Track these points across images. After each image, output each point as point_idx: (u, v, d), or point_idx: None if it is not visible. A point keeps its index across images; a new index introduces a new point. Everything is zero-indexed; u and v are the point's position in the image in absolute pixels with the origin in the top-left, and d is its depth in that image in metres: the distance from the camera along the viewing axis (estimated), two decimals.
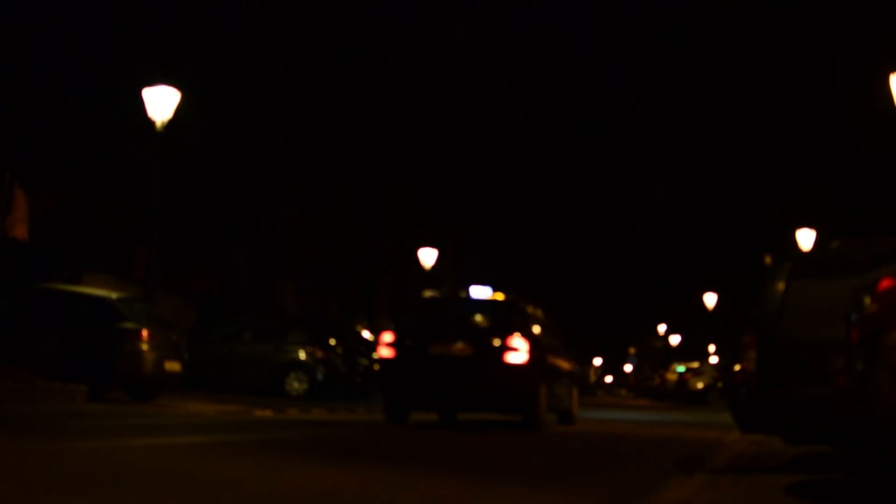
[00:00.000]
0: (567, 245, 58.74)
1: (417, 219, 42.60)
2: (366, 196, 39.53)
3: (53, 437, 10.75)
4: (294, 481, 7.63)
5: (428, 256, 40.01)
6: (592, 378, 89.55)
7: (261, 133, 34.31)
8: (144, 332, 18.76)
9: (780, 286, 10.08)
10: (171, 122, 21.78)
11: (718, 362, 57.95)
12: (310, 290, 39.68)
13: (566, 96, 49.03)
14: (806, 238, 33.80)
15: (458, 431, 15.62)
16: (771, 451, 12.36)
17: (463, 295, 17.60)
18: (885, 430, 6.40)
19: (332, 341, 26.36)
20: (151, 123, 21.69)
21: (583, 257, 62.94)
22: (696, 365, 59.37)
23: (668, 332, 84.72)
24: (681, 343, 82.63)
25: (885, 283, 6.59)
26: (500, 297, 17.37)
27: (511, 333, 16.36)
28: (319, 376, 25.58)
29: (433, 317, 17.13)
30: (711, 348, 70.26)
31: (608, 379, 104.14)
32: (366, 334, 34.14)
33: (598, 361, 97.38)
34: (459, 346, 16.30)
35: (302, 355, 25.60)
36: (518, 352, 16.26)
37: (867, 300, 6.75)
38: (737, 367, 11.67)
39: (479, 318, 17.05)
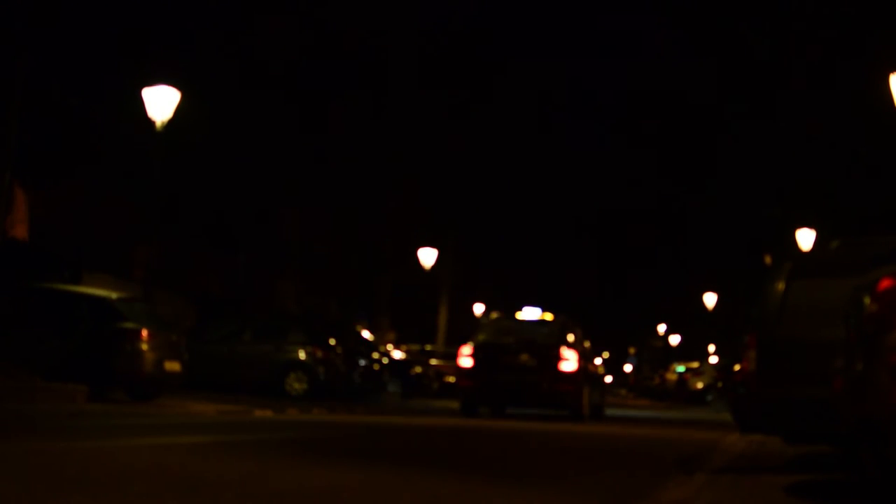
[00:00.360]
0: (567, 245, 58.74)
1: (417, 219, 42.62)
2: (366, 196, 39.54)
3: (53, 437, 10.75)
4: (294, 481, 7.63)
5: (428, 256, 40.01)
6: None
7: (260, 133, 34.31)
8: (144, 332, 18.75)
9: (780, 286, 10.08)
10: (171, 122, 21.78)
11: (718, 362, 57.95)
12: (310, 290, 39.68)
13: (566, 96, 49.04)
14: (806, 238, 33.79)
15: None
16: (771, 451, 12.36)
17: (518, 316, 23.08)
18: (885, 430, 6.40)
19: (332, 341, 26.35)
20: (151, 123, 21.68)
21: (583, 257, 62.95)
22: (695, 365, 59.37)
23: (668, 332, 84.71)
24: (681, 343, 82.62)
25: (885, 283, 6.59)
26: (548, 316, 22.75)
27: (563, 347, 21.38)
28: (321, 377, 25.58)
29: (500, 334, 22.16)
30: (711, 348, 70.27)
31: (608, 379, 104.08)
32: (366, 334, 34.15)
33: (597, 361, 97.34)
34: (524, 357, 21.35)
35: (302, 355, 25.59)
36: (569, 361, 21.28)
37: (867, 300, 6.75)
38: (737, 367, 11.68)
39: (536, 334, 21.84)
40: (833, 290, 8.90)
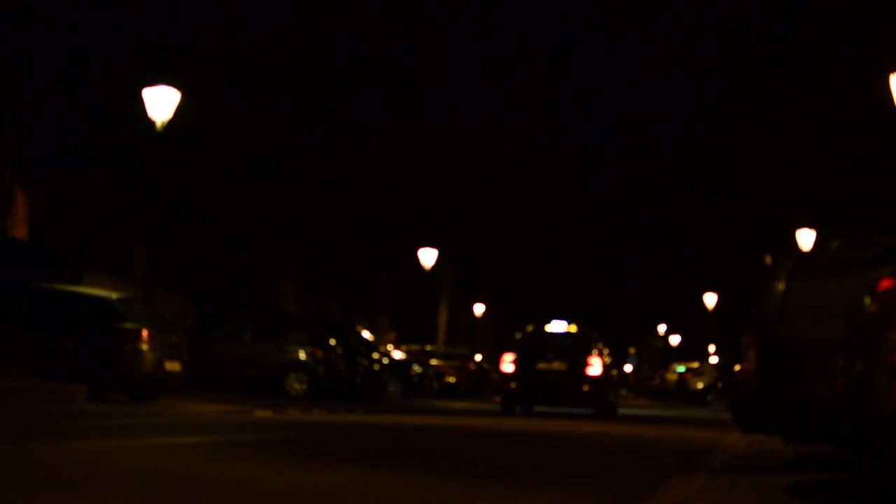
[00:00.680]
0: (567, 245, 58.73)
1: (417, 219, 42.62)
2: (366, 196, 39.54)
3: (53, 437, 10.75)
4: (294, 481, 7.63)
5: (428, 256, 40.00)
6: None
7: (260, 133, 34.31)
8: (144, 333, 18.75)
9: (780, 286, 10.07)
10: (171, 121, 21.77)
11: (718, 362, 57.93)
12: (310, 290, 39.67)
13: (566, 96, 49.02)
14: (806, 238, 33.78)
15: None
16: (771, 451, 12.36)
17: (547, 328, 27.01)
18: (885, 430, 6.40)
19: (333, 341, 26.33)
20: (151, 123, 21.68)
21: (583, 257, 62.94)
22: (696, 365, 59.35)
23: (668, 332, 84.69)
24: (681, 343, 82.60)
25: (885, 283, 6.59)
26: (573, 328, 26.76)
27: (590, 354, 25.25)
28: (321, 377, 25.57)
29: (535, 344, 25.86)
30: (711, 348, 70.26)
31: None
32: (366, 334, 34.13)
33: (562, 346, 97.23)
34: (557, 364, 25.08)
35: (302, 355, 25.58)
36: (595, 367, 25.11)
37: (867, 300, 6.75)
38: (737, 368, 11.68)
39: (565, 344, 25.68)
40: (833, 290, 8.90)
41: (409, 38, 38.72)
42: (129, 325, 18.76)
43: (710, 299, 60.25)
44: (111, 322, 18.76)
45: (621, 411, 28.32)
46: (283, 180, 35.98)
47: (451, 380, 40.27)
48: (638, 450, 13.52)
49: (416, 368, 35.58)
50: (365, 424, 16.59)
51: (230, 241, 36.14)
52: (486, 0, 42.29)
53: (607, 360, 26.24)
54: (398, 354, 36.55)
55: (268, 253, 37.29)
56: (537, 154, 50.16)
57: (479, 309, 56.03)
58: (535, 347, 25.72)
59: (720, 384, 49.07)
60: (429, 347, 43.59)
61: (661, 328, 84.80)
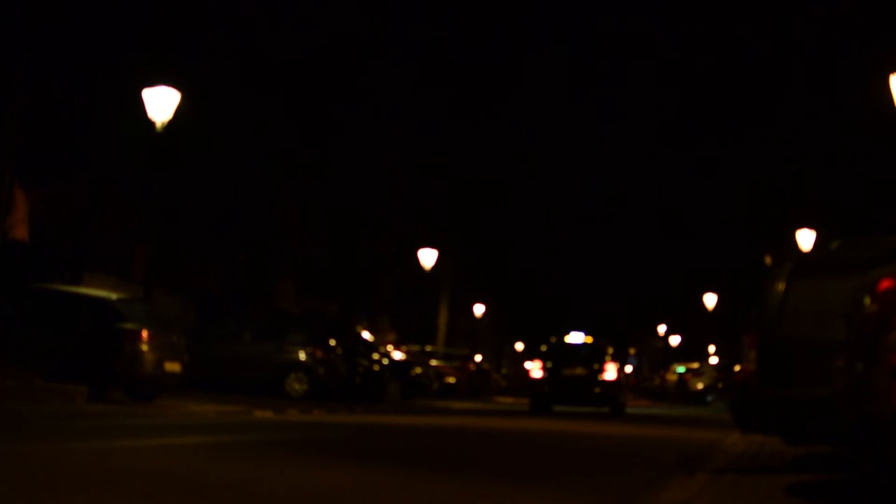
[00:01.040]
0: (567, 245, 58.72)
1: (417, 219, 42.61)
2: (366, 196, 39.53)
3: (53, 437, 10.75)
4: (294, 482, 7.63)
5: (428, 256, 39.99)
6: None
7: (261, 133, 34.29)
8: (144, 333, 18.75)
9: (780, 286, 10.07)
10: (171, 122, 21.76)
11: (718, 363, 57.94)
12: (310, 290, 39.66)
13: (566, 96, 49.02)
14: (806, 238, 33.76)
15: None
16: (771, 452, 12.35)
17: (566, 339, 31.59)
18: (885, 430, 6.40)
19: (333, 342, 26.32)
20: (151, 124, 21.67)
21: (583, 257, 62.92)
22: (695, 365, 59.34)
23: (668, 333, 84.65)
24: (681, 343, 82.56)
25: (885, 284, 6.59)
26: (589, 339, 31.27)
27: (606, 362, 29.17)
28: (321, 377, 25.56)
29: (559, 353, 29.87)
30: (711, 349, 70.24)
31: None
32: (366, 335, 34.11)
33: (582, 355, 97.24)
34: (578, 369, 29.01)
35: (302, 356, 25.56)
36: (610, 372, 29.05)
37: (867, 300, 6.75)
38: (737, 368, 11.69)
39: (584, 353, 29.76)
40: (833, 290, 8.89)
41: (410, 38, 38.72)
42: (129, 326, 18.76)
43: (709, 300, 60.22)
44: (111, 322, 18.77)
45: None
46: (283, 180, 35.96)
47: (451, 380, 40.27)
48: (638, 450, 13.52)
49: (417, 369, 35.59)
50: (365, 425, 16.59)
51: (230, 241, 36.13)
52: (487, 1, 42.30)
53: (619, 366, 30.46)
54: (398, 355, 36.54)
55: (268, 253, 37.28)
56: (537, 153, 50.15)
57: (479, 309, 56.01)
58: (559, 356, 29.75)
59: (720, 384, 49.09)
60: (429, 348, 43.57)
61: (661, 329, 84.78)
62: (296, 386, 25.24)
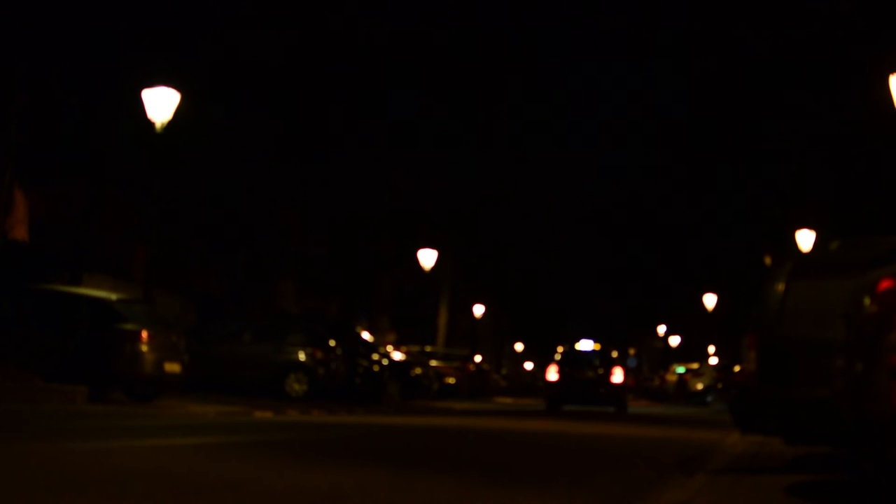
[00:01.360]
0: (567, 246, 58.72)
1: (417, 219, 42.60)
2: (366, 196, 39.52)
3: (53, 437, 10.75)
4: (294, 482, 7.63)
5: (428, 257, 39.98)
6: None
7: (261, 133, 34.29)
8: (144, 334, 18.75)
9: (780, 286, 10.05)
10: (170, 122, 21.76)
11: (718, 363, 57.89)
12: (310, 290, 39.66)
13: (566, 96, 49.01)
14: (806, 238, 33.75)
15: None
16: (771, 452, 12.35)
17: (577, 346, 35.59)
18: (885, 430, 6.40)
19: (332, 342, 26.31)
20: (151, 124, 21.67)
21: (583, 258, 62.92)
22: (695, 366, 59.29)
23: (667, 333, 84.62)
24: (680, 344, 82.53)
25: (885, 284, 6.59)
26: (597, 346, 35.31)
27: (614, 366, 32.61)
28: (321, 378, 25.55)
29: (571, 359, 33.28)
30: (711, 349, 70.19)
31: None
32: (366, 335, 34.09)
33: (592, 360, 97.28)
34: (590, 373, 32.34)
35: (302, 356, 25.55)
36: (617, 375, 32.39)
37: (867, 301, 6.75)
38: (737, 368, 11.69)
39: (594, 358, 33.27)
40: (833, 291, 8.89)
41: (410, 38, 38.71)
42: (129, 326, 18.76)
43: (709, 300, 60.18)
44: (111, 323, 18.77)
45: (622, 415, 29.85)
46: (283, 180, 35.96)
47: (451, 381, 40.26)
48: (638, 450, 13.52)
49: (416, 369, 35.58)
50: (365, 425, 16.59)
51: (230, 241, 36.12)
52: (487, 1, 42.29)
53: (624, 370, 33.85)
54: (398, 355, 36.53)
55: (268, 253, 37.28)
56: (537, 153, 50.14)
57: (479, 309, 56.00)
58: (571, 361, 33.10)
59: (720, 385, 49.04)
60: (428, 348, 43.56)
61: (661, 329, 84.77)
62: (295, 386, 25.22)
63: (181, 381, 19.92)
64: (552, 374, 32.58)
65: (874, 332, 6.54)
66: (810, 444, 11.38)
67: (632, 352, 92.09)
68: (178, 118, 21.99)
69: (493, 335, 64.20)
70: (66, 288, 21.35)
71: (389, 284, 44.87)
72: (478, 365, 47.25)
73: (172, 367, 19.36)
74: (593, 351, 34.48)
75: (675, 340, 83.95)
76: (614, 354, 34.36)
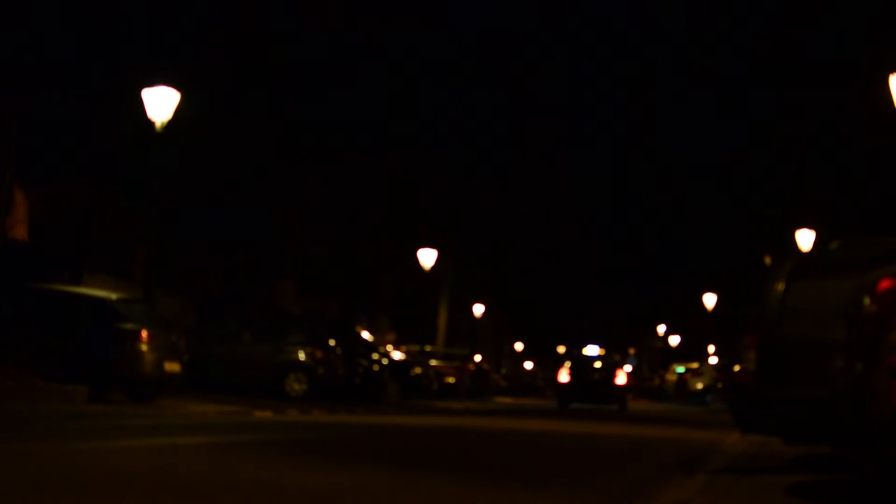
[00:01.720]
0: (567, 245, 58.69)
1: (417, 219, 42.60)
2: (365, 196, 39.51)
3: (53, 437, 10.75)
4: (294, 482, 7.63)
5: (428, 256, 39.97)
6: None
7: (260, 133, 34.28)
8: (144, 333, 18.75)
9: (780, 286, 10.05)
10: (170, 122, 21.75)
11: (718, 363, 57.86)
12: (310, 290, 39.66)
13: (566, 96, 49.01)
14: (806, 238, 33.75)
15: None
16: (771, 452, 12.35)
17: (584, 352, 41.74)
18: (885, 430, 6.40)
19: (332, 342, 26.31)
20: (151, 124, 21.67)
21: (583, 258, 62.89)
22: (695, 365, 59.26)
23: (667, 333, 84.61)
24: (680, 343, 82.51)
25: (885, 284, 6.59)
26: (602, 352, 44.72)
27: (617, 369, 36.43)
28: (321, 378, 25.55)
29: (580, 362, 37.46)
30: (711, 349, 70.17)
31: None
32: (365, 335, 34.08)
33: (598, 364, 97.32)
34: (596, 375, 35.91)
35: (302, 356, 25.56)
36: (620, 377, 36.14)
37: (867, 300, 6.75)
38: (737, 368, 11.69)
39: (599, 362, 37.42)
40: (833, 291, 8.89)
41: (410, 37, 38.71)
42: (129, 326, 18.76)
43: (709, 300, 60.16)
44: (111, 323, 18.76)
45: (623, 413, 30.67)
46: (283, 180, 35.95)
47: (451, 380, 40.25)
48: (638, 450, 13.52)
49: (416, 369, 35.58)
50: (365, 425, 16.59)
51: (230, 241, 36.11)
52: (488, 3, 42.30)
53: (626, 372, 37.59)
54: (398, 355, 36.53)
55: (268, 253, 37.28)
56: (537, 153, 50.12)
57: (478, 309, 55.98)
58: (580, 364, 37.13)
59: (720, 384, 49.00)
60: (428, 348, 43.55)
61: (661, 329, 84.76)
62: (295, 386, 25.23)
63: (181, 381, 19.92)
64: (564, 375, 36.30)
65: (874, 332, 6.54)
66: (810, 444, 11.38)
67: (632, 351, 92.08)
68: (179, 118, 21.99)
69: (493, 335, 64.18)
70: (66, 288, 21.35)
71: (389, 284, 44.87)
72: (478, 365, 47.25)
73: (172, 367, 19.36)
74: (599, 356, 39.77)
75: (675, 340, 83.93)
76: (617, 358, 39.23)
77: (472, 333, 54.88)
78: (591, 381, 35.87)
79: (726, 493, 8.04)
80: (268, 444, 11.56)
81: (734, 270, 52.79)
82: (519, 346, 79.48)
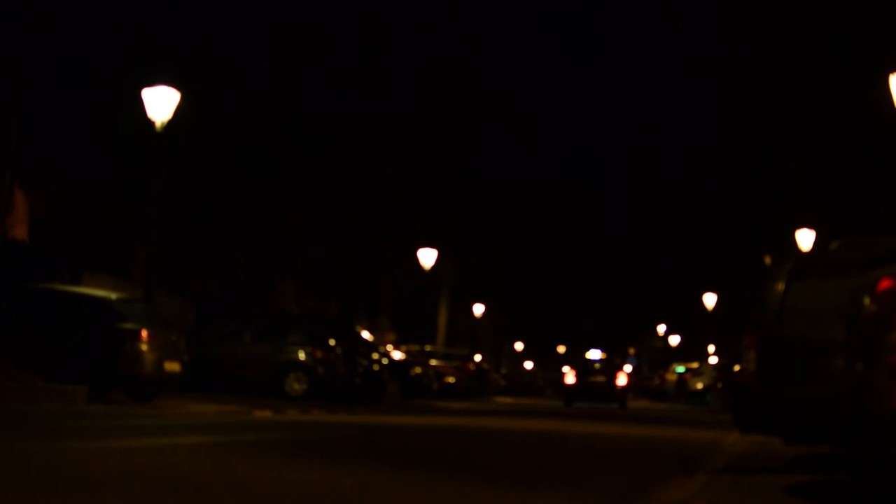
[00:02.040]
0: (567, 245, 58.69)
1: (417, 219, 42.60)
2: (365, 196, 39.51)
3: (53, 437, 10.75)
4: (294, 482, 7.63)
5: (428, 256, 39.97)
6: None
7: (261, 133, 34.28)
8: (144, 333, 18.75)
9: (780, 286, 10.05)
10: (170, 122, 21.75)
11: (718, 363, 57.83)
12: (310, 290, 39.67)
13: (565, 96, 49.00)
14: (806, 238, 33.74)
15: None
16: (771, 452, 12.35)
17: (588, 356, 46.63)
18: (885, 430, 6.40)
19: (332, 342, 26.31)
20: (151, 124, 21.67)
21: (582, 258, 62.88)
22: (695, 365, 59.23)
23: (667, 333, 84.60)
24: (680, 343, 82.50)
25: (885, 284, 6.59)
26: (604, 356, 46.40)
27: (618, 372, 40.23)
28: (321, 377, 25.55)
29: (584, 365, 41.39)
30: (711, 349, 70.17)
31: None
32: (365, 335, 34.07)
33: (600, 367, 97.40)
34: (599, 377, 39.79)
35: (302, 356, 25.56)
36: (621, 379, 39.84)
37: (867, 300, 6.75)
38: (737, 368, 11.69)
39: (601, 365, 41.31)
40: (833, 291, 8.89)
41: (410, 38, 38.71)
42: (129, 326, 18.76)
43: (709, 300, 60.16)
44: (111, 322, 18.77)
45: (622, 413, 30.92)
46: (283, 180, 35.95)
47: (451, 380, 40.27)
48: (638, 450, 13.52)
49: (416, 369, 35.58)
50: (365, 425, 16.59)
51: (230, 241, 36.11)
52: (488, 4, 42.30)
53: (627, 373, 41.34)
54: (398, 355, 36.53)
55: (268, 253, 37.28)
56: (537, 152, 50.12)
57: (478, 309, 55.98)
58: (584, 367, 41.06)
59: (720, 384, 48.98)
60: (428, 348, 43.56)
61: (661, 328, 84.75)
62: (295, 386, 25.23)
63: (181, 381, 19.92)
64: (570, 378, 40.53)
65: (874, 332, 6.54)
66: (810, 444, 11.38)
67: (632, 351, 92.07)
68: (179, 118, 21.99)
69: (493, 335, 64.18)
70: (66, 287, 21.35)
71: (389, 284, 44.87)
72: (478, 364, 47.26)
73: (172, 367, 19.36)
74: (601, 359, 43.51)
75: (675, 340, 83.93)
76: (618, 361, 43.36)
77: (472, 333, 54.89)
78: (594, 382, 39.71)
79: (726, 492, 8.04)
80: (268, 443, 11.56)
81: (734, 270, 52.78)
82: (519, 346, 79.49)
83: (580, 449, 13.37)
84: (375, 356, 28.95)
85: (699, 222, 55.44)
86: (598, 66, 49.81)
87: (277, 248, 37.36)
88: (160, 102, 21.65)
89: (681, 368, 59.71)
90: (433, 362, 39.82)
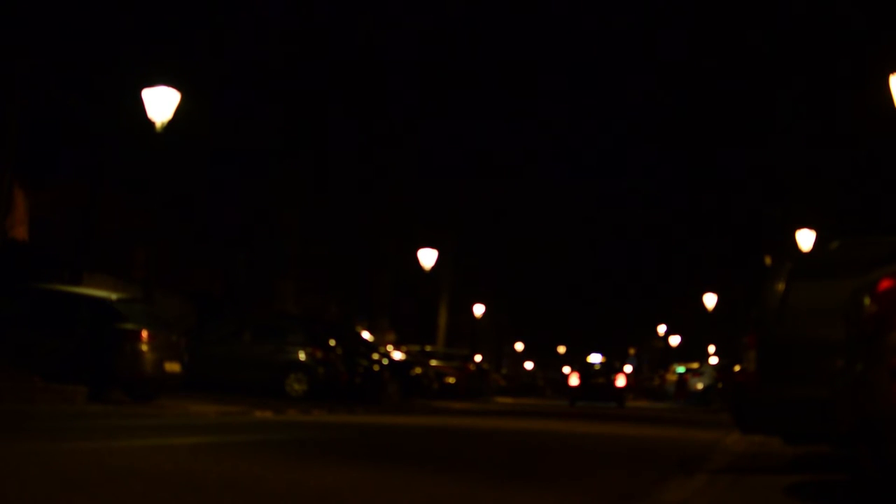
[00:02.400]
0: (566, 245, 58.69)
1: (417, 219, 42.60)
2: (365, 196, 39.51)
3: (53, 437, 10.75)
4: (294, 482, 7.63)
5: (428, 257, 39.97)
6: None
7: (261, 133, 34.29)
8: (144, 333, 18.75)
9: (780, 286, 10.05)
10: (170, 122, 21.76)
11: (718, 363, 57.85)
12: (310, 290, 39.67)
13: (566, 95, 48.99)
14: (806, 238, 33.74)
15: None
16: (771, 452, 12.35)
17: (589, 360, 48.64)
18: (885, 430, 6.39)
19: (332, 342, 26.31)
20: (151, 124, 21.67)
21: (582, 257, 62.87)
22: (695, 365, 59.27)
23: (668, 333, 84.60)
24: (681, 343, 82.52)
25: (885, 284, 6.59)
26: (604, 359, 48.37)
27: (617, 374, 43.58)
28: (321, 378, 25.55)
29: (586, 368, 44.82)
30: (711, 349, 70.19)
31: None
32: (365, 335, 34.07)
33: (601, 370, 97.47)
34: (601, 379, 43.30)
35: (302, 356, 25.56)
36: (620, 380, 43.26)
37: (867, 300, 6.74)
38: (737, 368, 11.68)
39: (602, 368, 44.59)
40: (833, 290, 8.88)
41: (410, 38, 38.70)
42: (129, 326, 18.76)
43: (709, 300, 60.19)
44: (111, 323, 18.77)
45: (622, 413, 31.04)
46: (283, 180, 35.95)
47: (451, 380, 40.28)
48: (638, 450, 13.52)
49: (416, 369, 35.58)
50: (365, 425, 16.59)
51: (230, 241, 36.11)
52: (488, 4, 42.30)
53: (626, 375, 44.79)
54: (398, 355, 36.53)
55: (268, 253, 37.28)
56: (537, 152, 50.11)
57: (479, 309, 56.00)
58: (586, 370, 44.54)
59: (720, 384, 48.99)
60: (428, 348, 43.57)
61: (661, 329, 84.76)
62: (295, 386, 25.23)
63: (181, 381, 19.92)
64: (574, 380, 44.41)
65: (874, 332, 6.53)
66: (810, 444, 11.38)
67: (632, 351, 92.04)
68: (179, 118, 21.99)
69: (493, 335, 64.18)
70: (66, 288, 21.35)
71: (389, 284, 44.87)
72: (478, 365, 47.28)
73: (172, 367, 19.37)
74: (601, 363, 47.10)
75: (675, 340, 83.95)
76: (617, 364, 46.64)
77: (472, 333, 54.91)
78: (595, 384, 43.25)
79: (726, 493, 8.04)
80: (268, 443, 11.56)
81: (734, 271, 52.80)
82: (519, 346, 79.49)
83: (580, 449, 13.37)
84: (375, 356, 28.95)
85: (699, 222, 55.44)
86: (598, 64, 49.80)
87: (277, 248, 37.36)
88: (160, 102, 21.65)
89: (681, 369, 59.75)
90: (433, 362, 39.83)
